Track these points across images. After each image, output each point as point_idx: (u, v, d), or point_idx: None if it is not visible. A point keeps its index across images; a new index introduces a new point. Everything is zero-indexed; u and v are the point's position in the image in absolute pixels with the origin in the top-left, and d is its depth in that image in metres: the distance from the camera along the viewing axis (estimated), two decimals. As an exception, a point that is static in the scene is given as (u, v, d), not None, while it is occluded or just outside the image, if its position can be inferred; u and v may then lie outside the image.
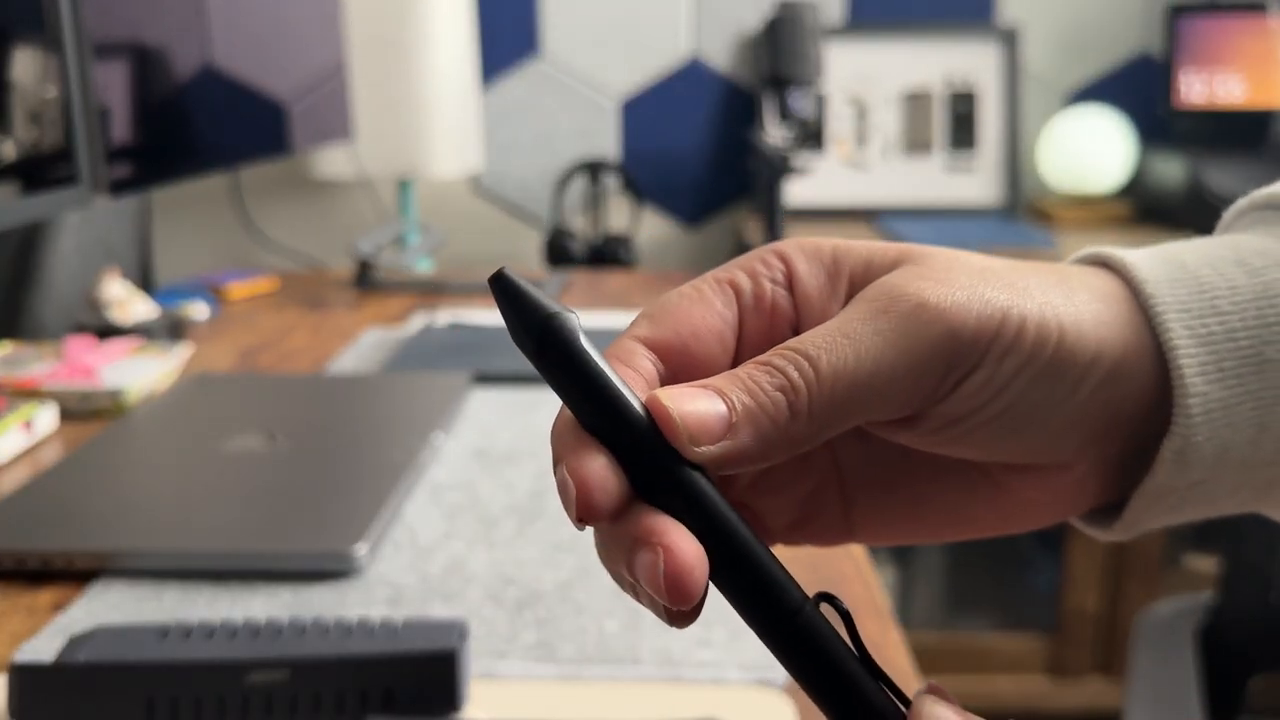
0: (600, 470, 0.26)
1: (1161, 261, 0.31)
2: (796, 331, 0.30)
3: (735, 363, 0.30)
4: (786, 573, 0.26)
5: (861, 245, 0.31)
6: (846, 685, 0.26)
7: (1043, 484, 0.32)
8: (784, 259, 0.31)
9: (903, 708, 0.26)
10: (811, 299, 0.30)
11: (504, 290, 0.26)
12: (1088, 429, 0.30)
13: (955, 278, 0.29)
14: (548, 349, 0.26)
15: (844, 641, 0.26)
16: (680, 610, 0.26)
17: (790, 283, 0.30)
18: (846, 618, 0.27)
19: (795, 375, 0.27)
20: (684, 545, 0.25)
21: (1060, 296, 0.29)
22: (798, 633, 0.26)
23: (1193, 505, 0.31)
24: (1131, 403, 0.30)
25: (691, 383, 0.27)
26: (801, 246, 0.31)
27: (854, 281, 0.30)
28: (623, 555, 0.26)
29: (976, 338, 0.28)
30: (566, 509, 0.26)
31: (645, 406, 0.26)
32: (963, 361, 0.28)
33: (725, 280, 0.30)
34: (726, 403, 0.27)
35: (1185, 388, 0.29)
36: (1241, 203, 0.35)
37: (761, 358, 0.28)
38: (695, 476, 0.26)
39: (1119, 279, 0.31)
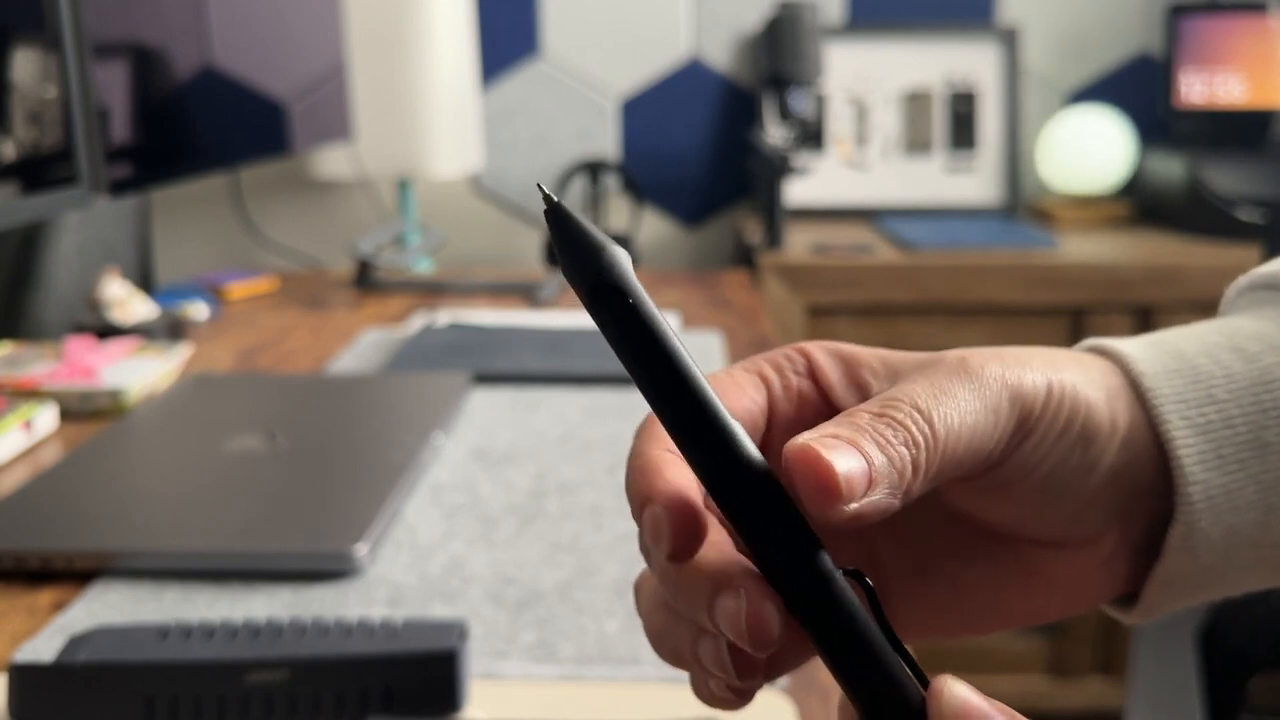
0: (693, 507, 0.26)
1: (1159, 351, 0.32)
2: (827, 417, 0.32)
3: (769, 446, 0.31)
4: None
5: (875, 348, 0.33)
6: (872, 657, 0.26)
7: (1071, 562, 0.33)
8: (804, 354, 0.32)
9: (921, 688, 0.26)
10: (834, 385, 0.32)
11: (559, 224, 0.25)
12: (1110, 499, 0.31)
13: (1002, 354, 0.31)
14: (601, 296, 0.25)
15: (870, 617, 0.26)
16: (746, 685, 0.28)
17: (812, 374, 0.32)
18: (871, 594, 0.27)
19: (915, 431, 0.28)
20: (763, 590, 0.26)
21: (1080, 374, 0.31)
22: (829, 601, 0.26)
23: (1210, 587, 0.33)
24: (1144, 478, 0.32)
25: (817, 430, 0.27)
26: (820, 345, 0.33)
27: (874, 371, 0.32)
28: (701, 600, 0.27)
29: (1034, 405, 0.30)
30: (656, 544, 0.27)
31: (784, 454, 0.26)
32: (1025, 423, 0.30)
33: (754, 371, 0.32)
34: (865, 457, 0.26)
35: (1185, 477, 0.31)
36: (1241, 281, 0.36)
37: (874, 409, 0.28)
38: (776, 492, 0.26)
39: (1119, 369, 0.32)
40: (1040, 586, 0.33)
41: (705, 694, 0.31)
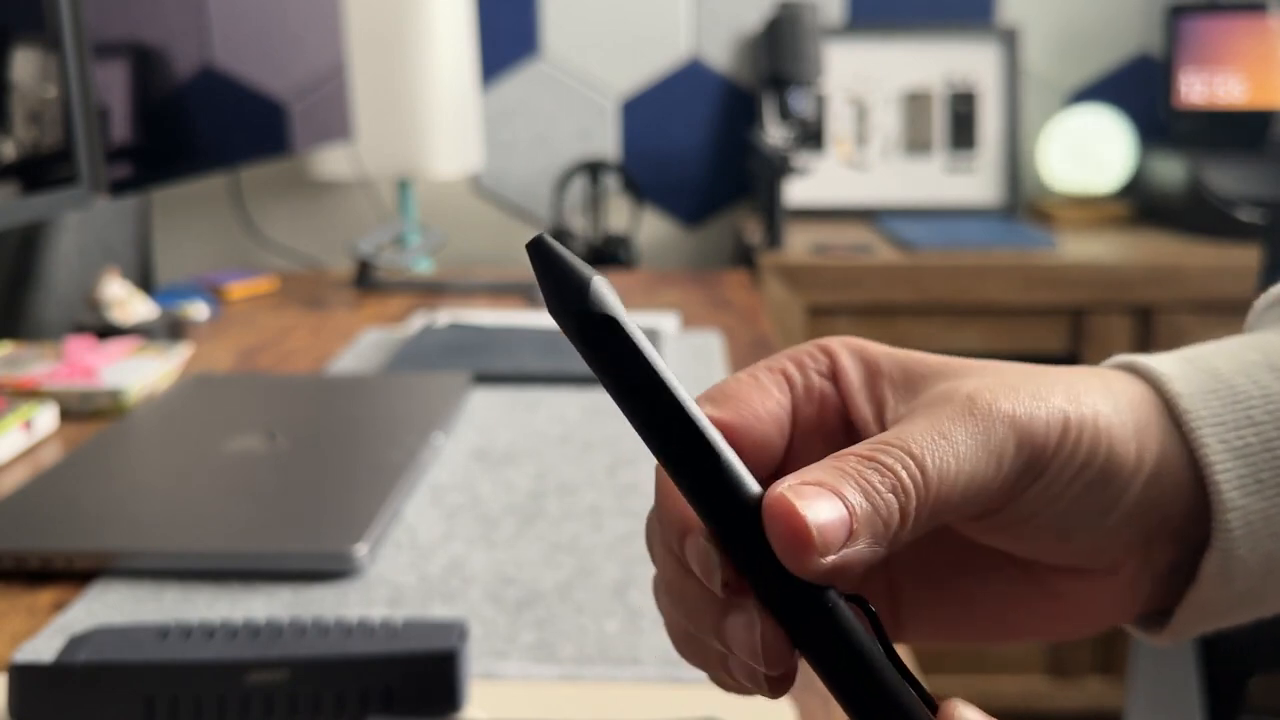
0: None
1: (1195, 370, 0.31)
2: (847, 421, 0.31)
3: (790, 448, 0.31)
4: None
5: (899, 350, 0.32)
6: (876, 683, 0.26)
7: (1090, 587, 0.32)
8: (828, 353, 0.31)
9: (930, 713, 0.26)
10: (854, 392, 0.31)
11: (542, 258, 0.25)
12: (1132, 533, 0.30)
13: (1018, 386, 0.29)
14: (589, 329, 0.25)
15: (873, 641, 0.26)
16: (779, 678, 0.27)
17: (834, 375, 0.31)
18: (874, 619, 0.26)
19: (905, 478, 0.26)
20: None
21: (1106, 404, 0.30)
22: (830, 628, 0.26)
23: (1243, 610, 0.32)
24: (1174, 509, 0.31)
25: (799, 474, 0.26)
26: (845, 343, 0.32)
27: (893, 383, 0.31)
28: (711, 621, 0.26)
29: (1046, 444, 0.29)
30: (707, 577, 0.26)
31: (763, 503, 0.25)
32: (1035, 466, 0.29)
33: (778, 370, 0.31)
34: (847, 506, 0.25)
35: (1223, 503, 0.30)
36: (1271, 293, 0.35)
37: (864, 451, 0.27)
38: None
39: (1152, 390, 0.31)
40: (1058, 607, 0.33)
41: (730, 684, 0.30)
